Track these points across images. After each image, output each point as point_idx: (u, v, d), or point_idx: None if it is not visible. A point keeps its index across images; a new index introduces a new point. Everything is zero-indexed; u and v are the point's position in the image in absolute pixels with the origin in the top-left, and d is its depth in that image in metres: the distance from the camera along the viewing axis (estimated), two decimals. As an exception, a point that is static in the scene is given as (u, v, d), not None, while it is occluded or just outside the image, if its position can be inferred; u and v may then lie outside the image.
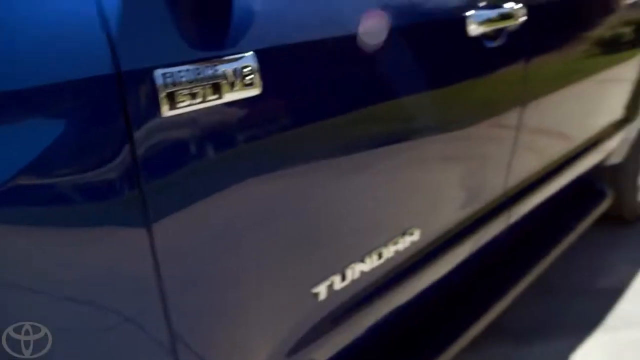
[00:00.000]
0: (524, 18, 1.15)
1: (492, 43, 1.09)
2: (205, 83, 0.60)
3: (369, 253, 0.91)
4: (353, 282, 0.89)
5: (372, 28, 0.83)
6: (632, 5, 1.72)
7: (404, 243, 0.98)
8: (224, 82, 0.62)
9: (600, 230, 2.35)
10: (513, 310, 1.80)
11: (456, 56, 1.02)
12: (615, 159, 2.14)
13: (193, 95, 0.59)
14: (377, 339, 1.08)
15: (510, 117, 1.21)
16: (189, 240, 0.64)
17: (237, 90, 0.64)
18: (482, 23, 1.04)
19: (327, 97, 0.78)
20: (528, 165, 1.38)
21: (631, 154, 2.20)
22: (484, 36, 1.07)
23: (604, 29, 1.59)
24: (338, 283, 0.86)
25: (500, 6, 1.10)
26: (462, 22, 1.01)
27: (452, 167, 1.08)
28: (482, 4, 1.06)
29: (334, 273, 0.85)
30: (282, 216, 0.74)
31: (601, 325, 1.79)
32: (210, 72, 0.61)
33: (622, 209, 2.34)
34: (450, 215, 1.12)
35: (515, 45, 1.16)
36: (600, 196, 1.99)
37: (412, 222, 1.00)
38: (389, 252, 0.95)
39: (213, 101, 0.61)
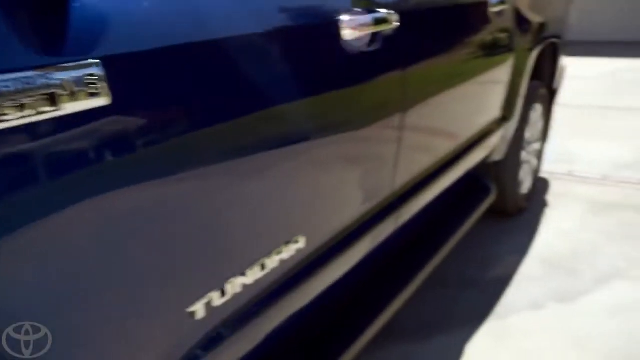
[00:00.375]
0: (397, 24, 1.18)
1: (368, 47, 1.11)
2: (38, 93, 0.54)
3: (250, 265, 0.88)
4: (235, 296, 0.85)
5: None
6: (499, 13, 1.84)
7: (289, 252, 0.96)
8: (62, 92, 0.56)
9: (487, 224, 2.51)
10: (409, 307, 1.86)
11: (332, 60, 1.02)
12: (497, 156, 2.28)
13: (21, 107, 0.53)
14: (270, 352, 1.05)
15: (392, 119, 1.24)
16: (34, 269, 0.57)
17: (79, 101, 0.58)
18: (356, 28, 1.05)
19: (192, 105, 0.73)
20: (414, 165, 1.42)
21: (511, 151, 2.36)
22: (359, 40, 1.08)
23: (476, 35, 1.68)
24: (217, 299, 0.82)
25: (373, 11, 1.11)
26: (335, 26, 1.02)
27: (336, 172, 1.08)
28: (355, 9, 1.07)
29: (212, 289, 0.81)
30: (147, 234, 0.69)
31: (491, 314, 1.90)
32: (43, 81, 0.55)
33: (505, 203, 2.50)
34: (337, 220, 1.12)
35: (392, 50, 1.19)
36: (485, 192, 2.11)
37: (296, 230, 0.98)
38: (273, 262, 0.92)
39: (48, 113, 0.55)
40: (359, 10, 1.08)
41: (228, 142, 0.79)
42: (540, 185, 2.94)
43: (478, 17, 1.68)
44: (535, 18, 2.29)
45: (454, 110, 1.60)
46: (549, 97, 2.86)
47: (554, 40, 2.63)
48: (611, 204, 2.69)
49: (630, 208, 2.64)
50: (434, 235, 1.75)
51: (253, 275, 0.88)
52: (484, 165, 2.30)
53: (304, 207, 1.00)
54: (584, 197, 2.79)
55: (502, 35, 1.92)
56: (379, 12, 1.13)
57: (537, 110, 2.65)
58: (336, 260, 1.12)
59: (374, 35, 1.13)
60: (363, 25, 1.07)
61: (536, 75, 2.74)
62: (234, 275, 0.84)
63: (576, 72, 6.00)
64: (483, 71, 1.77)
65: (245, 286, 0.87)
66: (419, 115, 1.36)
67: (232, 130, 0.79)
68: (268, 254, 0.91)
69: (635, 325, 1.79)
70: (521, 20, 2.13)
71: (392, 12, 1.16)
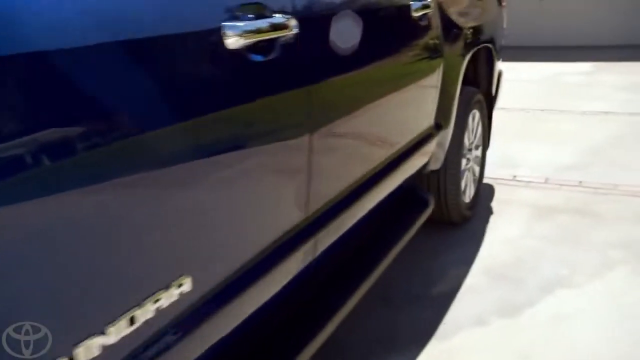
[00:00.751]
0: (297, 30, 1.06)
1: (261, 57, 0.99)
2: None
3: (113, 320, 0.73)
4: (91, 362, 0.70)
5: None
6: (422, 18, 1.76)
7: (170, 297, 0.82)
8: None
9: (431, 235, 2.43)
10: (351, 327, 1.74)
11: (214, 74, 0.90)
12: (435, 166, 2.20)
13: None
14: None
15: (298, 136, 1.11)
16: None
17: None
18: (242, 35, 0.93)
19: (33, 130, 0.59)
20: (330, 186, 1.30)
21: (450, 159, 2.28)
22: (249, 49, 0.95)
23: (395, 41, 1.59)
24: (64, 370, 0.67)
25: (264, 17, 1.00)
26: (217, 34, 0.89)
27: (229, 198, 0.95)
28: (241, 15, 0.95)
29: (56, 357, 0.65)
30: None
31: (435, 333, 1.79)
32: None
33: (448, 213, 2.43)
34: (234, 254, 0.98)
35: (292, 59, 1.07)
36: (422, 204, 2.02)
37: (180, 269, 0.84)
38: (146, 313, 0.78)
39: None
40: (248, 15, 0.96)
41: (81, 166, 0.65)
42: (485, 192, 2.90)
43: (397, 22, 1.59)
44: (465, 23, 2.24)
45: (375, 122, 1.49)
46: (487, 102, 2.82)
47: (487, 45, 2.59)
48: (553, 207, 2.66)
49: (571, 211, 2.61)
50: (367, 254, 1.64)
51: (117, 332, 0.73)
52: (422, 176, 2.22)
53: (189, 240, 0.86)
54: (527, 201, 2.76)
55: (428, 41, 1.84)
56: (273, 17, 1.02)
57: (475, 116, 2.60)
58: (235, 302, 0.98)
59: (270, 43, 1.01)
60: (252, 32, 0.95)
61: (472, 81, 2.70)
62: (90, 335, 0.69)
63: (520, 76, 6.13)
64: (407, 79, 1.68)
65: (106, 348, 0.72)
66: (331, 130, 1.24)
67: (86, 155, 0.66)
68: (139, 303, 0.77)
69: (578, 334, 1.73)
70: (449, 25, 2.07)
71: (289, 17, 1.05)
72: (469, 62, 2.42)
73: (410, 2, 1.69)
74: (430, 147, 2.00)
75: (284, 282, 1.15)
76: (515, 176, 3.12)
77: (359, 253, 1.63)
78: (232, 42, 0.91)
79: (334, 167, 1.30)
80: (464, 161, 2.47)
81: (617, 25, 8.00)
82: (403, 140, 1.71)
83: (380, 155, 1.55)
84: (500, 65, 2.94)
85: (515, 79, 6.00)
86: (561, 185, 2.94)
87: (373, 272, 1.58)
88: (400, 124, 1.67)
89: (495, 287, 2.03)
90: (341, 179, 1.34)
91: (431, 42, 1.86)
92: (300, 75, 1.10)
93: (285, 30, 1.03)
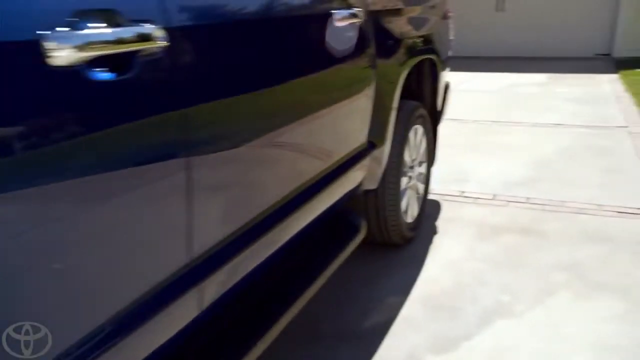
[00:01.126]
0: (166, 42, 0.89)
1: (114, 75, 0.81)
2: None
3: None
4: None
5: None
6: (348, 28, 1.60)
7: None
8: None
9: (370, 259, 2.28)
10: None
11: (28, 98, 0.71)
12: (371, 185, 2.05)
13: None
14: None
15: (169, 166, 0.93)
16: None
17: None
18: (80, 47, 0.75)
19: None
20: (225, 222, 1.12)
21: (388, 178, 2.14)
22: (92, 65, 0.77)
23: (309, 54, 1.42)
24: None
25: (118, 25, 0.82)
26: (34, 46, 0.70)
27: (75, 252, 0.76)
28: (79, 22, 0.77)
29: None
30: None
31: (363, 373, 1.64)
32: None
33: (388, 234, 2.28)
34: (90, 310, 0.79)
35: (160, 77, 0.90)
36: (352, 230, 1.86)
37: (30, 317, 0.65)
38: None
39: None
40: (89, 24, 0.78)
41: None
42: (431, 209, 2.77)
43: (310, 32, 1.43)
44: (403, 35, 2.11)
45: (280, 145, 1.31)
46: (432, 116, 2.70)
47: (430, 57, 2.47)
48: (499, 227, 2.55)
49: (516, 230, 2.51)
50: (284, 289, 1.47)
51: None
52: (358, 196, 2.07)
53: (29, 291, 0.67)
54: (473, 220, 2.64)
55: (355, 53, 1.68)
56: (132, 26, 0.84)
57: (418, 131, 2.47)
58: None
59: (127, 58, 0.83)
60: (94, 44, 0.77)
61: (416, 94, 2.58)
62: None
63: (475, 86, 6.12)
64: (324, 95, 1.51)
65: None
66: (220, 159, 1.06)
67: None
68: None
69: (516, 372, 1.60)
70: (384, 37, 1.93)
71: (154, 27, 0.87)
72: (411, 75, 2.29)
73: (333, 11, 1.53)
74: (361, 167, 1.85)
75: (166, 335, 0.97)
76: (463, 192, 3.01)
77: (273, 289, 1.46)
78: (61, 55, 0.73)
79: (227, 202, 1.12)
80: (404, 180, 2.33)
81: (570, 38, 8.13)
82: (321, 164, 1.54)
83: (289, 183, 1.38)
84: (447, 78, 2.83)
85: (471, 89, 5.99)
86: (509, 201, 2.85)
87: (290, 308, 1.41)
88: (316, 146, 1.50)
89: (432, 318, 1.89)
90: (238, 215, 1.17)
91: (360, 54, 1.71)
92: (172, 97, 0.92)
93: (147, 43, 0.86)
